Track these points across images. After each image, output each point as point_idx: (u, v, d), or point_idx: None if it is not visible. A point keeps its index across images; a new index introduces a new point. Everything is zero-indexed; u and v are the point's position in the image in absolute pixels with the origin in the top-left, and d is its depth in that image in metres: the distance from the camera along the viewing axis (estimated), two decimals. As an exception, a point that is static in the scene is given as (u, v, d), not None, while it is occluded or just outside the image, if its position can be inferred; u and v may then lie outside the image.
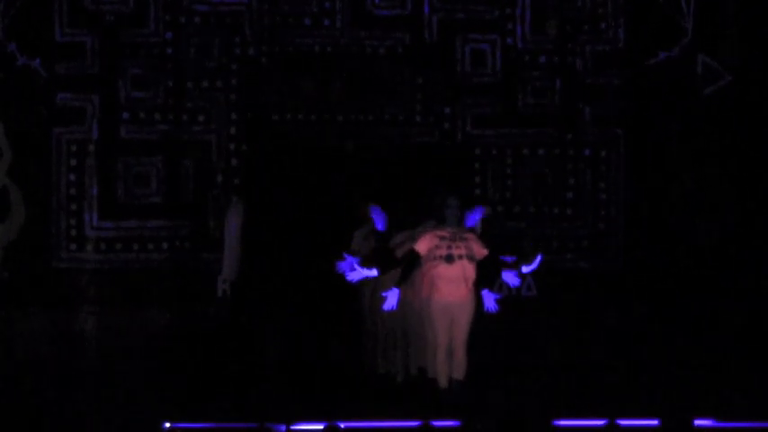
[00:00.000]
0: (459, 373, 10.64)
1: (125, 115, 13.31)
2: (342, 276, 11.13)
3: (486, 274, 10.56)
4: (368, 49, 13.52)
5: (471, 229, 10.73)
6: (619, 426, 8.65)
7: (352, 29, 13.51)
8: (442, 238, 10.61)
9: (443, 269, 10.58)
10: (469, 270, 10.64)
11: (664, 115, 13.60)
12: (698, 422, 9.23)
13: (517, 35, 13.67)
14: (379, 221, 11.03)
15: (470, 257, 10.61)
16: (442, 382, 10.57)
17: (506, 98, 13.62)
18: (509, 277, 10.59)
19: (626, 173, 13.65)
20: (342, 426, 8.50)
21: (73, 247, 13.17)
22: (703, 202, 13.55)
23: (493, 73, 13.64)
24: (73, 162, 13.20)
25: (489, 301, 10.72)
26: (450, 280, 10.58)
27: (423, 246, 10.58)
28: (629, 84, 13.61)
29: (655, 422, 9.20)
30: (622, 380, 11.93)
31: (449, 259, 10.59)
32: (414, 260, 10.55)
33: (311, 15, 13.48)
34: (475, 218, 10.97)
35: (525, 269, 10.72)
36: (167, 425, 9.75)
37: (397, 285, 10.48)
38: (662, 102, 13.60)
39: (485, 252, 10.57)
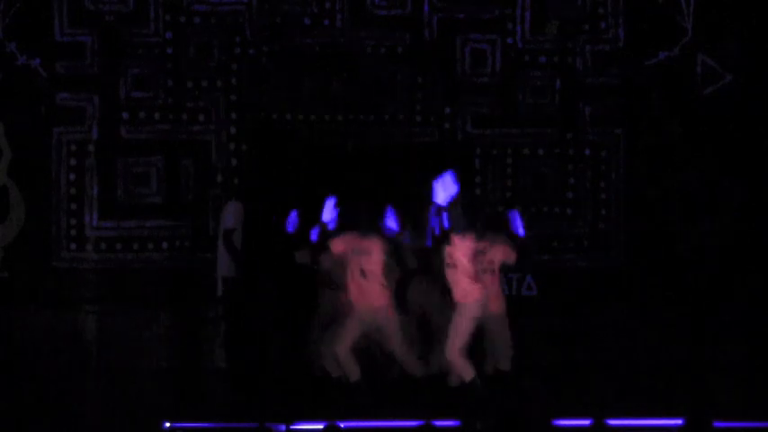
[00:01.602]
0: (506, 363, 10.74)
1: (125, 115, 13.29)
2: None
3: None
4: (368, 49, 13.51)
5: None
6: (615, 427, 8.66)
7: (352, 28, 13.50)
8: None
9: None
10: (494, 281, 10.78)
11: (664, 115, 13.59)
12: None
13: (517, 35, 13.67)
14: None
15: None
16: (454, 380, 10.66)
17: (506, 98, 13.62)
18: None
19: (626, 173, 13.65)
20: (342, 425, 8.50)
21: (73, 246, 13.17)
22: (703, 201, 13.53)
23: (493, 73, 13.64)
24: (73, 162, 13.20)
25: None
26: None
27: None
28: (629, 83, 13.61)
29: (651, 422, 9.24)
30: (622, 380, 11.93)
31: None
32: None
33: (311, 15, 13.47)
34: (516, 221, 11.06)
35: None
36: (167, 424, 9.76)
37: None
38: (662, 102, 13.59)
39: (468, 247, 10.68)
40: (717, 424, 8.50)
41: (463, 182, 13.43)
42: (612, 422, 8.70)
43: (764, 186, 13.54)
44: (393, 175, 13.24)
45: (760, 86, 13.53)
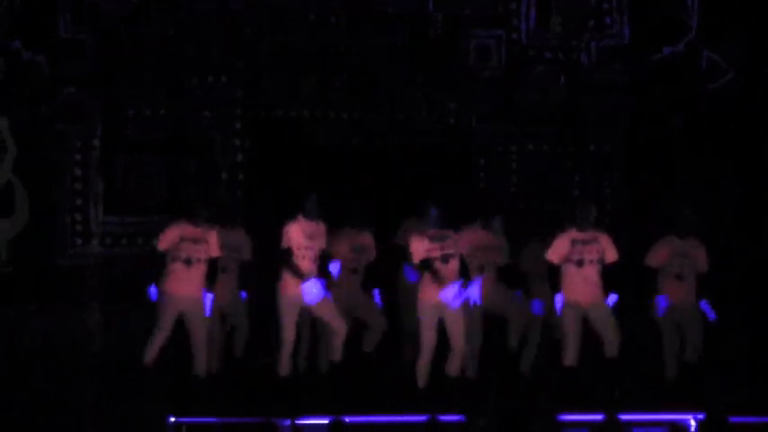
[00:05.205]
0: (469, 370, 10.70)
1: (129, 111, 13.30)
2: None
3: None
4: (370, 46, 13.51)
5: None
6: (626, 421, 8.68)
7: (354, 25, 13.51)
8: (432, 238, 10.72)
9: (440, 269, 10.67)
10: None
11: (668, 111, 13.61)
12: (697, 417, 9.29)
13: (522, 31, 13.68)
14: None
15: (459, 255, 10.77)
16: (421, 382, 10.67)
17: (510, 94, 13.64)
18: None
19: (629, 168, 13.67)
20: (347, 420, 8.52)
21: (78, 242, 13.18)
22: (707, 198, 13.54)
23: (497, 69, 13.65)
24: (78, 158, 13.21)
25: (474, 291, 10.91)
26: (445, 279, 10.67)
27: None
28: (634, 79, 13.63)
29: (658, 416, 9.25)
30: (622, 378, 11.95)
31: (444, 260, 10.70)
32: None
33: (314, 11, 13.48)
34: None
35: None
36: (172, 419, 9.78)
37: None
38: (666, 97, 13.61)
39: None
40: (732, 419, 8.55)
41: (466, 178, 13.56)
42: (624, 417, 8.75)
43: (767, 182, 13.56)
44: (395, 173, 13.28)
45: (764, 82, 13.56)
